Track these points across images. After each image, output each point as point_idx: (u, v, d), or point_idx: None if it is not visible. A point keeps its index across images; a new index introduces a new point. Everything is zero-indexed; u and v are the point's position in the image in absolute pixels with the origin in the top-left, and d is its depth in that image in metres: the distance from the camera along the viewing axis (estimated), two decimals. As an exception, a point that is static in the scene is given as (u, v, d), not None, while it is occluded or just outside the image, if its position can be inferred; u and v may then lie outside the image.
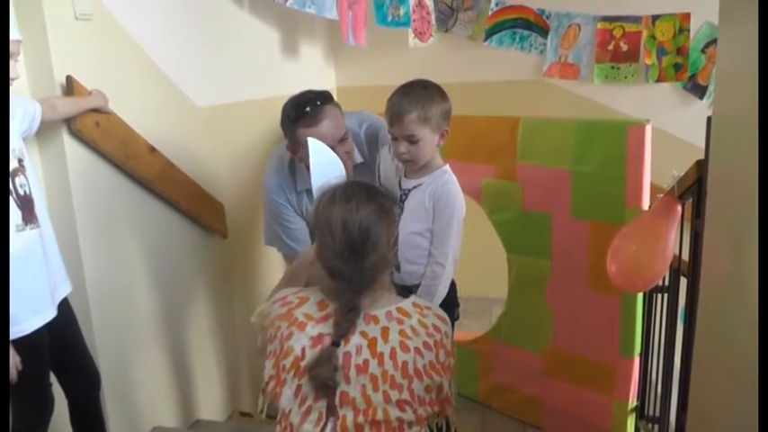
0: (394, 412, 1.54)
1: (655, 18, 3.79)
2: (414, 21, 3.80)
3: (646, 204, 2.45)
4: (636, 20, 3.82)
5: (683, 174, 2.10)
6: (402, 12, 3.70)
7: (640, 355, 2.66)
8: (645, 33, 3.82)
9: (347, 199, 1.57)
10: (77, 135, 2.11)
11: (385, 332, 1.57)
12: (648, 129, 2.43)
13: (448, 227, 2.09)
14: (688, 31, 3.74)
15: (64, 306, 2.00)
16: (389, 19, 3.63)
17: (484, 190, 2.81)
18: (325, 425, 1.54)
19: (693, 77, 3.80)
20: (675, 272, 2.45)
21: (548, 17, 3.89)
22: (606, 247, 2.21)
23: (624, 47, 3.86)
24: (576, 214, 2.59)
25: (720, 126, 1.54)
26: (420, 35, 3.86)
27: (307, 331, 1.58)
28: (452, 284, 2.24)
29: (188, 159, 2.68)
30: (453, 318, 2.42)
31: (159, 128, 2.50)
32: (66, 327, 2.04)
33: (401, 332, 1.57)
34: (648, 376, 2.74)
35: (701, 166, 1.94)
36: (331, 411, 1.54)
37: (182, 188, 2.61)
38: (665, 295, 2.56)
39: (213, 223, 2.85)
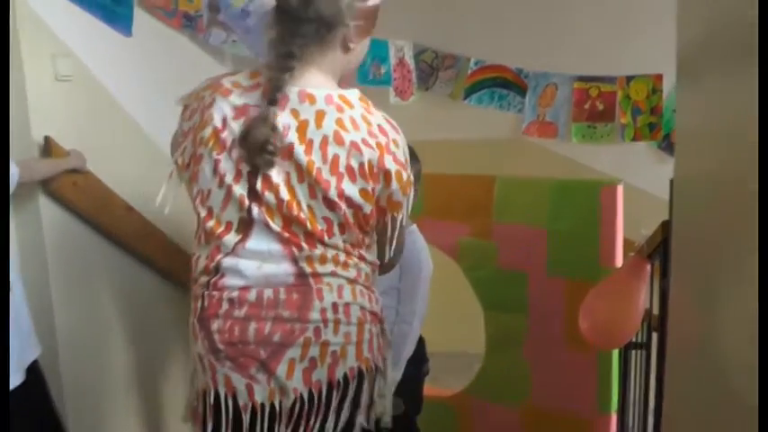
0: (320, 211, 1.42)
1: (629, 79, 3.89)
2: (395, 79, 3.87)
3: (619, 262, 2.48)
4: (611, 80, 3.92)
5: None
6: (383, 71, 3.78)
7: (617, 410, 2.66)
8: (620, 93, 3.91)
9: None
10: (54, 195, 2.12)
11: (320, 116, 1.42)
12: (620, 189, 2.47)
13: (415, 285, 2.13)
14: (661, 91, 3.84)
15: (33, 370, 1.98)
16: (370, 77, 3.70)
17: (460, 248, 2.83)
18: (250, 208, 1.43)
19: (668, 137, 3.88)
20: (650, 328, 2.47)
21: (525, 77, 3.98)
22: (581, 304, 2.24)
23: (600, 106, 3.95)
24: (551, 272, 2.61)
25: (682, 187, 1.58)
26: (401, 93, 3.93)
27: (230, 99, 1.45)
28: (421, 340, 2.30)
29: (166, 217, 2.68)
30: (423, 372, 2.45)
31: (138, 186, 2.51)
32: (33, 390, 2.01)
33: (338, 121, 1.42)
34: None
35: (666, 227, 1.98)
36: (253, 196, 1.42)
37: (158, 246, 2.61)
38: (641, 351, 2.58)
39: (190, 280, 2.84)
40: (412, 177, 1.52)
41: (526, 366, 2.77)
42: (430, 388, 3.18)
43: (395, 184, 1.47)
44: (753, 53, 0.97)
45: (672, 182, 1.69)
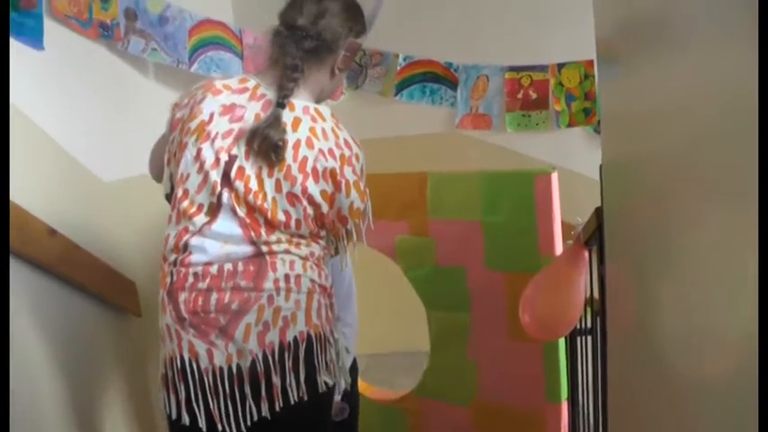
0: (282, 204, 1.62)
1: (560, 66, 3.90)
2: (325, 81, 3.82)
3: (559, 250, 2.47)
4: (542, 68, 3.92)
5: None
6: (312, 73, 3.72)
7: (568, 398, 2.66)
8: (552, 81, 3.92)
9: None
10: (-35, 226, 2.01)
11: (296, 122, 1.64)
12: (555, 176, 2.46)
13: (349, 289, 2.27)
14: (593, 76, 3.85)
15: None
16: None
17: (398, 247, 2.80)
18: (221, 194, 1.62)
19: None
20: (596, 314, 2.46)
21: (456, 70, 3.97)
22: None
23: (533, 95, 3.95)
24: (490, 266, 2.60)
25: (610, 172, 1.57)
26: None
27: (219, 98, 1.67)
28: None
29: (94, 238, 2.59)
30: (357, 371, 2.46)
31: (60, 208, 2.42)
32: None
33: (311, 129, 1.65)
34: (584, 418, 2.73)
35: (599, 213, 1.96)
36: (226, 182, 1.62)
37: (87, 270, 2.51)
38: (589, 338, 2.58)
39: (124, 302, 2.75)
40: (368, 190, 1.75)
41: (472, 362, 2.76)
42: (379, 391, 3.15)
43: (354, 194, 1.69)
44: (674, 35, 0.96)
45: (601, 167, 1.68)
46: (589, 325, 2.51)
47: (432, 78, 3.99)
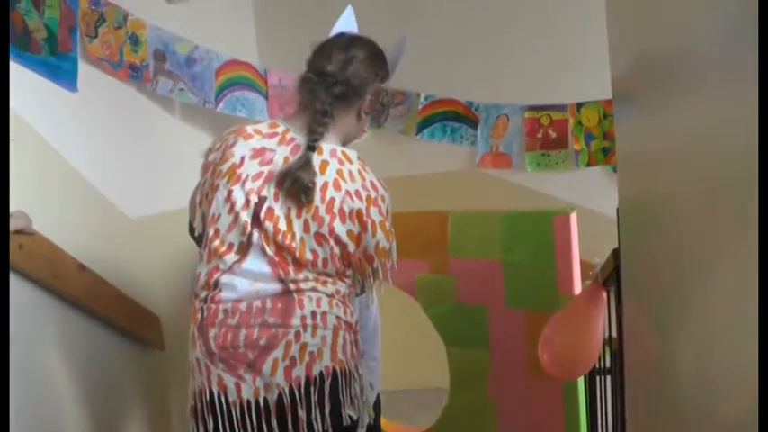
0: (310, 244, 1.67)
1: (579, 105, 3.92)
2: (347, 120, 3.87)
3: (578, 289, 2.49)
4: (561, 108, 3.94)
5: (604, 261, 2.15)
6: (335, 112, 3.77)
7: (587, 438, 2.65)
8: (571, 121, 3.94)
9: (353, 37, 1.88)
10: (-1, 259, 2.07)
11: (324, 165, 1.70)
12: (573, 217, 2.48)
13: (375, 325, 2.35)
14: (612, 116, 3.86)
15: None
16: (323, 120, 3.70)
17: (418, 285, 2.82)
18: (251, 234, 1.67)
19: (621, 160, 3.92)
20: (615, 354, 2.47)
21: (476, 109, 4.00)
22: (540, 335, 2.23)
23: (553, 134, 3.98)
24: (510, 304, 2.61)
25: (626, 213, 1.59)
26: (354, 133, 3.94)
27: (250, 142, 1.73)
28: None
29: (120, 273, 2.65)
30: (380, 406, 2.51)
31: (89, 243, 2.49)
32: None
33: (338, 171, 1.70)
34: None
35: (617, 254, 1.98)
36: (255, 223, 1.67)
37: (113, 303, 2.57)
38: (608, 377, 2.58)
39: (149, 336, 2.80)
40: (393, 230, 1.79)
41: (491, 400, 2.76)
42: (400, 427, 3.15)
43: (380, 233, 1.73)
44: (688, 75, 0.98)
45: (618, 210, 1.70)
46: (608, 365, 2.52)
47: (452, 117, 4.02)
